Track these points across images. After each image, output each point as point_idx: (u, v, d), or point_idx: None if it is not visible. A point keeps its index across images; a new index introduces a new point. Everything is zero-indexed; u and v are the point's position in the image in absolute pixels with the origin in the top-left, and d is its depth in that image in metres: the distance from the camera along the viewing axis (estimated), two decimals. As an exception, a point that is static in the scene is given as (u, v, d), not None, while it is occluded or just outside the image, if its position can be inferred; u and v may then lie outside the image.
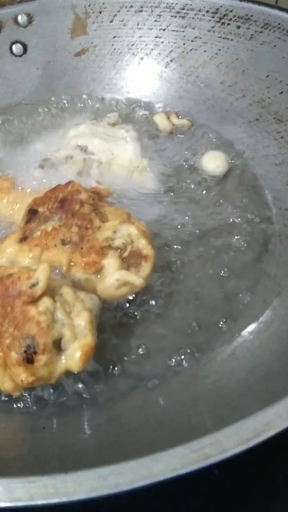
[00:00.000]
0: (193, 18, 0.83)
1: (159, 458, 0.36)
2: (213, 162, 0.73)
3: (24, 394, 0.52)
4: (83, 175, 0.71)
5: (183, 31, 0.84)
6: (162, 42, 0.86)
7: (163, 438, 0.43)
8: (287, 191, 0.69)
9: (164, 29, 0.85)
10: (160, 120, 0.82)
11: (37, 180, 0.71)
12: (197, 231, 0.66)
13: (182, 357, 0.55)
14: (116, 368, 0.54)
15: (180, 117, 0.83)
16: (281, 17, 0.75)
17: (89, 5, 0.87)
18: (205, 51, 0.83)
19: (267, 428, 0.37)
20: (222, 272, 0.62)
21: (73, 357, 0.49)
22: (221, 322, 0.58)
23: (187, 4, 0.83)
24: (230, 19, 0.80)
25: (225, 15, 0.80)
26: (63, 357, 0.49)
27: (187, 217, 0.68)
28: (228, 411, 0.45)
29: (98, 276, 0.56)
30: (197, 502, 0.48)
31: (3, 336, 0.48)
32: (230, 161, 0.74)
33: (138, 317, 0.58)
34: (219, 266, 0.63)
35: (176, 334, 0.57)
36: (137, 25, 0.87)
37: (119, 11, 0.87)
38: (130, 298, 0.58)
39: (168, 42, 0.86)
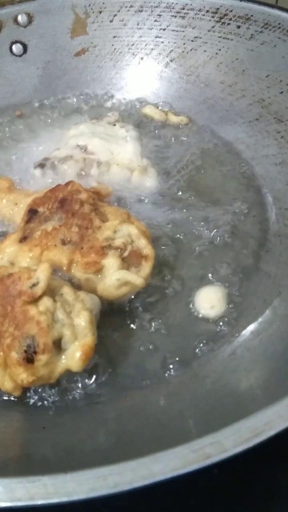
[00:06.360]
0: (193, 18, 0.83)
1: (159, 458, 0.36)
2: (207, 302, 0.59)
3: (24, 394, 0.52)
4: (83, 175, 0.71)
5: (183, 31, 0.84)
6: (162, 42, 0.86)
7: (163, 438, 0.43)
8: (287, 191, 0.69)
9: (164, 29, 0.85)
10: (152, 111, 0.83)
11: (37, 180, 0.71)
12: (197, 231, 0.66)
13: (182, 357, 0.55)
14: (116, 368, 0.54)
15: (177, 115, 0.83)
16: (281, 17, 0.75)
17: (89, 5, 0.87)
18: (205, 51, 0.83)
19: (267, 428, 0.37)
20: (222, 272, 0.62)
21: (73, 356, 0.49)
22: (221, 322, 0.58)
23: (187, 4, 0.83)
24: (230, 19, 0.80)
25: (225, 15, 0.80)
26: (63, 357, 0.49)
27: (187, 217, 0.68)
28: (228, 411, 0.45)
29: (99, 276, 0.56)
30: (197, 502, 0.48)
31: (3, 335, 0.48)
32: (227, 304, 0.59)
33: (137, 317, 0.58)
34: (218, 266, 0.63)
35: (175, 333, 0.57)
36: (137, 25, 0.87)
37: (119, 11, 0.87)
38: (130, 297, 0.58)
39: (168, 42, 0.86)
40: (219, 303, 0.59)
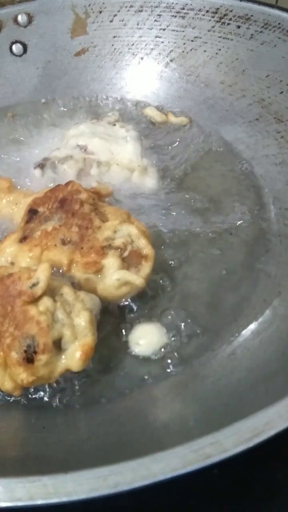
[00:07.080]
0: (193, 18, 0.83)
1: (159, 458, 0.36)
2: (142, 339, 0.56)
3: (24, 393, 0.52)
4: (83, 175, 0.71)
5: (183, 31, 0.84)
6: (162, 42, 0.86)
7: (163, 438, 0.43)
8: (287, 191, 0.69)
9: (164, 29, 0.85)
10: (154, 113, 0.83)
11: (37, 180, 0.71)
12: (197, 231, 0.66)
13: (182, 356, 0.55)
14: (115, 368, 0.54)
15: (177, 116, 0.83)
16: (281, 17, 0.75)
17: (89, 5, 0.87)
18: (205, 51, 0.83)
19: (267, 428, 0.37)
20: (222, 272, 0.62)
21: (73, 356, 0.49)
22: (221, 322, 0.58)
23: (187, 4, 0.83)
24: (230, 19, 0.80)
25: (225, 15, 0.80)
26: (63, 357, 0.49)
27: (186, 217, 0.68)
28: (228, 411, 0.45)
29: (99, 276, 0.56)
30: (197, 502, 0.48)
31: (3, 335, 0.48)
32: (164, 346, 0.55)
33: (137, 317, 0.58)
34: (218, 266, 0.63)
35: (175, 333, 0.57)
36: (137, 25, 0.87)
37: (119, 11, 0.87)
38: (130, 297, 0.58)
39: (168, 42, 0.86)
40: (152, 342, 0.56)
